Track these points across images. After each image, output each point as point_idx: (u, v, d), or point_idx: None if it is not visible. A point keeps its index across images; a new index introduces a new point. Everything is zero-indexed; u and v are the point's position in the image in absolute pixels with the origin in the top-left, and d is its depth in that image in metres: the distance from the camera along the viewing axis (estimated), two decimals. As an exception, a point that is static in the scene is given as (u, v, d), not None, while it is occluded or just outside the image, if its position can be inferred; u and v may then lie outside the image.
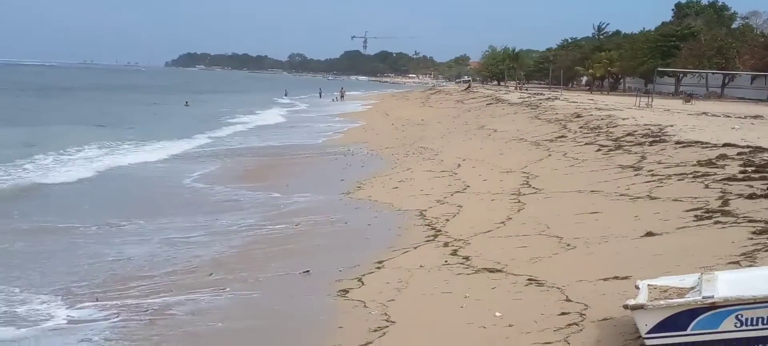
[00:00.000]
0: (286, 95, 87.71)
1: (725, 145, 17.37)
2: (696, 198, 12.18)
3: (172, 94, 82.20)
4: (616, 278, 8.62)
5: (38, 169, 21.80)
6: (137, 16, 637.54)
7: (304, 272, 10.75)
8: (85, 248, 12.60)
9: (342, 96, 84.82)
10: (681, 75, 65.44)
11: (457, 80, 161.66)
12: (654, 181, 14.48)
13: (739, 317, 6.02)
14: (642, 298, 6.51)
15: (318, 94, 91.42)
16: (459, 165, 21.04)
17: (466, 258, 10.61)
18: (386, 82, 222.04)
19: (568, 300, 8.22)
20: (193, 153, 28.03)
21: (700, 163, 15.25)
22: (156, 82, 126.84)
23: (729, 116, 30.44)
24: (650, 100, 42.74)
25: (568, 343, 7.04)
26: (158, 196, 18.47)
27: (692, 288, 6.57)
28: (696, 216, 11.03)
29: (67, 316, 9.16)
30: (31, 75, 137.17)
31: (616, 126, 24.63)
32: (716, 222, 10.49)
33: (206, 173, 22.18)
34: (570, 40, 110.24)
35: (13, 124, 36.13)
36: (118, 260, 11.82)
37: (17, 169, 21.28)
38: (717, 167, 14.63)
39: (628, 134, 21.74)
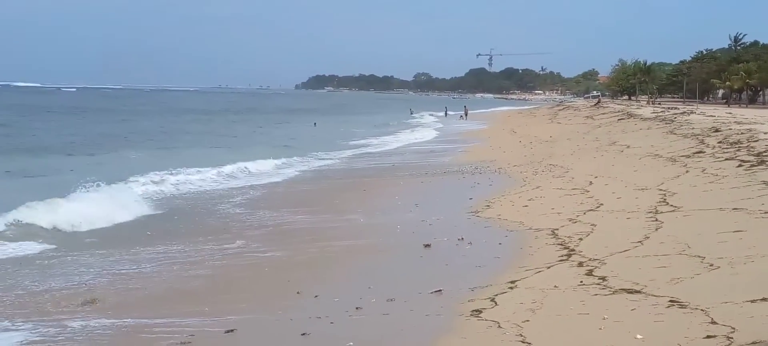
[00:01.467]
0: (411, 114, 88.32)
1: None
2: None
3: (300, 115, 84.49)
4: (765, 299, 8.19)
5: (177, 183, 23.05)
6: (269, 42, 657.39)
7: (435, 291, 10.72)
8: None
9: (465, 114, 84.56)
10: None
11: (586, 96, 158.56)
12: (803, 197, 13.70)
13: None
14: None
15: (443, 113, 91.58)
16: (591, 182, 20.55)
17: (603, 278, 10.31)
18: (512, 99, 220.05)
19: (713, 323, 7.85)
20: (327, 170, 28.56)
21: None
22: (287, 105, 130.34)
23: None
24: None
25: (716, 368, 6.72)
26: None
27: None
28: None
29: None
30: (176, 99, 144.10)
31: (757, 140, 23.46)
32: None
33: (337, 189, 22.57)
34: (705, 52, 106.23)
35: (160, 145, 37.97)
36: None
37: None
38: None
39: (772, 148, 20.68)
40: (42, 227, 16.16)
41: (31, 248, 14.65)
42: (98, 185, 20.13)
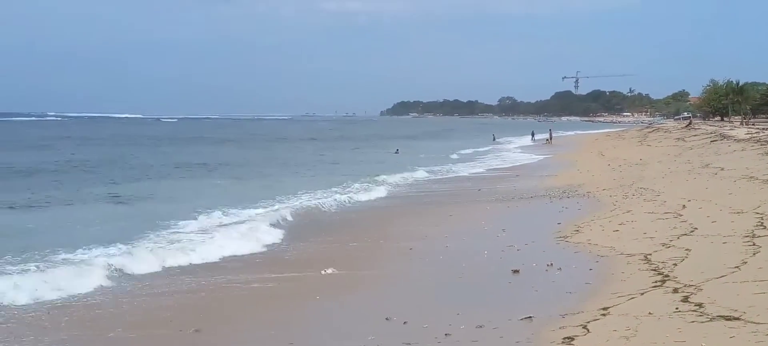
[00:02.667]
0: (494, 140, 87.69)
1: None
2: None
3: (383, 140, 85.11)
4: None
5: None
6: (354, 69, 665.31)
7: (525, 317, 10.61)
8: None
9: (550, 138, 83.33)
10: None
11: (676, 117, 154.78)
12: None
13: None
14: None
15: (530, 137, 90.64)
16: (684, 206, 20.00)
17: (699, 305, 10.02)
18: (599, 121, 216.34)
19: (818, 351, 7.56)
20: (413, 196, 28.63)
21: None
22: (374, 131, 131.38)
23: None
24: None
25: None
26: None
27: None
28: None
29: None
30: (273, 127, 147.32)
31: None
32: None
33: (422, 213, 22.60)
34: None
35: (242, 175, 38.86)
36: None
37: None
38: None
39: None
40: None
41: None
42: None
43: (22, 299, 12.61)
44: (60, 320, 11.52)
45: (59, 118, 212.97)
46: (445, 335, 10.07)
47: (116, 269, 14.79)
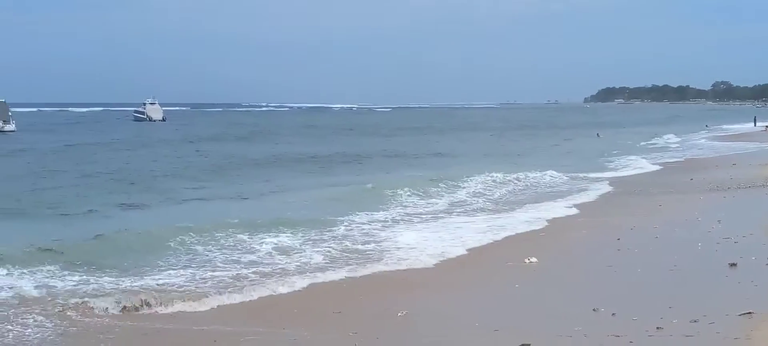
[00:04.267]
0: (706, 127, 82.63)
1: None
2: None
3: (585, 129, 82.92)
4: None
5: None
6: (557, 54, 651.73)
7: (745, 313, 10.00)
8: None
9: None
10: None
11: None
12: None
13: None
14: None
15: (752, 123, 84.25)
16: None
17: None
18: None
19: None
20: (619, 182, 27.72)
21: None
22: (580, 119, 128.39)
23: None
24: None
25: None
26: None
27: None
28: None
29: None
30: (476, 115, 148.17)
31: None
32: None
33: (628, 203, 21.82)
34: None
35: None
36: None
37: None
38: None
39: None
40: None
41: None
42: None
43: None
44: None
45: (286, 109, 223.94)
46: (657, 328, 9.70)
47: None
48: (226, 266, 14.54)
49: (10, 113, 77.50)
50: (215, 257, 15.23)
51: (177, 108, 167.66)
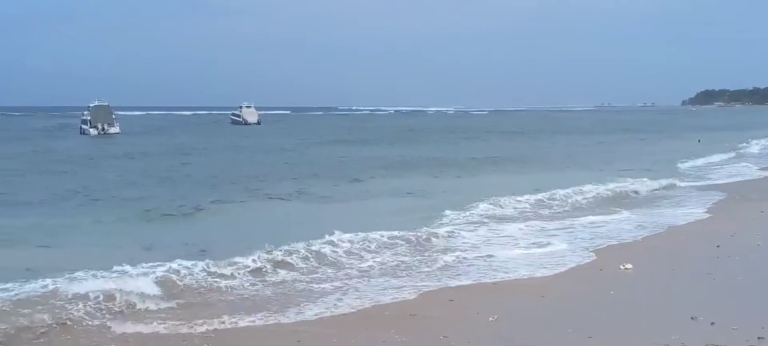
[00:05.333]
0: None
1: None
2: None
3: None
4: None
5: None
6: (651, 55, 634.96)
7: None
8: None
9: None
10: None
11: None
12: None
13: None
14: None
15: None
16: None
17: None
18: None
19: None
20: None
21: None
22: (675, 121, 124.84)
23: None
24: None
25: None
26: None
27: None
28: None
29: None
30: (575, 118, 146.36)
31: None
32: None
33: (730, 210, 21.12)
34: None
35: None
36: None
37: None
38: None
39: None
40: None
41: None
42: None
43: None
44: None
45: (383, 112, 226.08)
46: (758, 338, 9.41)
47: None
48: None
49: (114, 116, 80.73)
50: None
51: (275, 112, 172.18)
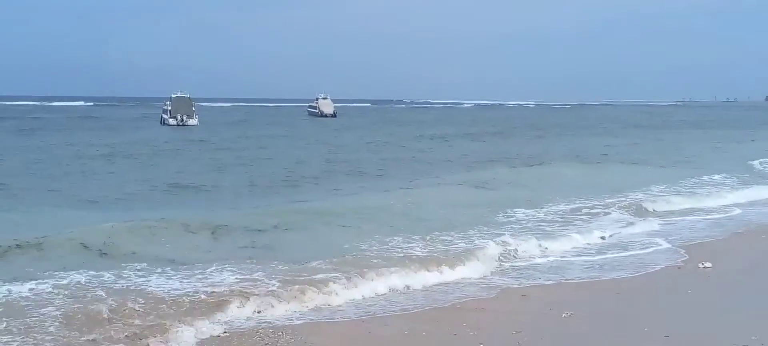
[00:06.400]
0: None
1: None
2: None
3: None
4: None
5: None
6: (735, 47, 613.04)
7: None
8: None
9: None
10: None
11: None
12: None
13: None
14: None
15: None
16: None
17: None
18: None
19: None
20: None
21: None
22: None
23: None
24: None
25: None
26: None
27: None
28: None
29: None
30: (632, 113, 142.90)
31: None
32: None
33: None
34: None
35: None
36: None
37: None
38: None
39: None
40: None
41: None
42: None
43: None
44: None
45: (464, 105, 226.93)
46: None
47: None
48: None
49: (194, 108, 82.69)
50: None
51: (356, 104, 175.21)
